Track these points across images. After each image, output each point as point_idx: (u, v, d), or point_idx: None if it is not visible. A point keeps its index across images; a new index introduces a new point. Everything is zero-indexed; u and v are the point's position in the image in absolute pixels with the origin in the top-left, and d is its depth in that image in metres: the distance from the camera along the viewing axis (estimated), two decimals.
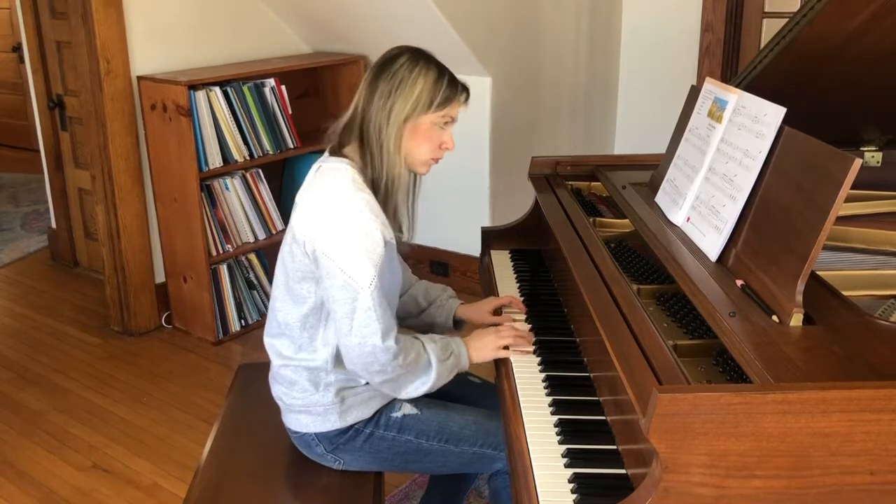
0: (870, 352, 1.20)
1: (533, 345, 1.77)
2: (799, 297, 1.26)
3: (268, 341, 1.77)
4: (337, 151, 1.70)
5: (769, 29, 3.85)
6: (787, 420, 1.04)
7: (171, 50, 3.42)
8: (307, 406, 1.70)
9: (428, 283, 1.99)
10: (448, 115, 1.67)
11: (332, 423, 1.70)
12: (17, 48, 4.97)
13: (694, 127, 1.79)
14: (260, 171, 3.50)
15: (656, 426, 1.04)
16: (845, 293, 1.37)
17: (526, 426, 1.47)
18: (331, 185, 1.63)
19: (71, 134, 3.99)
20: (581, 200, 2.18)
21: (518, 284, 2.10)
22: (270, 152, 3.49)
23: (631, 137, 4.34)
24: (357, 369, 1.62)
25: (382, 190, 1.66)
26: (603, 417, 1.47)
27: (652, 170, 1.99)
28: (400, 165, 1.65)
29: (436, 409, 1.76)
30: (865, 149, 2.01)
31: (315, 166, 1.71)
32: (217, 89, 3.26)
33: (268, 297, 3.58)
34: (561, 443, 1.42)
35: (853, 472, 1.06)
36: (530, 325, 1.85)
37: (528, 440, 1.43)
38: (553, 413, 1.51)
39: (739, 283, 1.41)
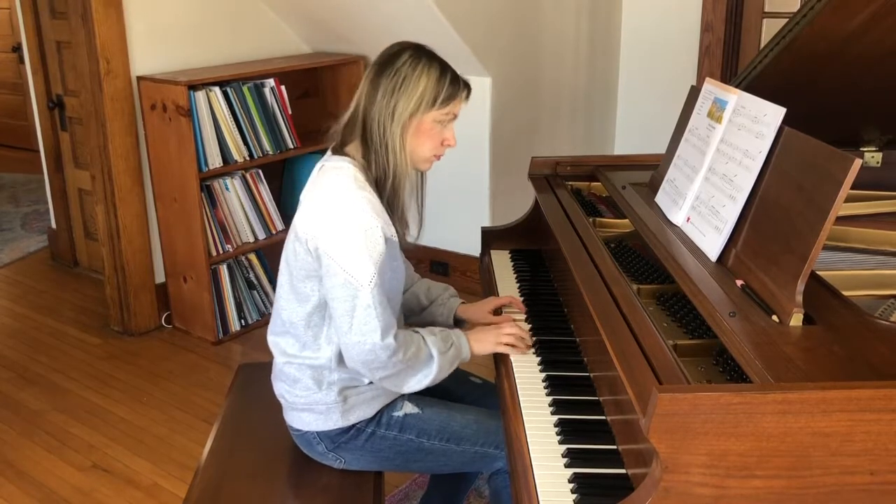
0: (870, 352, 1.20)
1: (533, 345, 1.77)
2: (799, 297, 1.27)
3: (272, 339, 1.78)
4: (339, 150, 1.70)
5: (769, 29, 3.85)
6: (787, 420, 1.04)
7: (171, 50, 3.43)
8: (310, 404, 1.70)
9: (430, 282, 1.99)
10: (451, 112, 1.68)
11: (334, 421, 1.70)
12: (17, 48, 4.97)
13: (694, 127, 1.79)
14: (260, 171, 3.50)
15: (656, 426, 1.04)
16: (845, 293, 1.37)
17: (526, 426, 1.47)
18: (332, 184, 1.63)
19: (71, 134, 3.99)
20: (581, 200, 2.18)
21: (518, 284, 2.11)
22: (270, 152, 3.49)
23: (631, 137, 4.34)
24: (358, 367, 1.62)
25: (388, 188, 1.66)
26: (603, 417, 1.47)
27: (652, 170, 1.99)
28: (405, 163, 1.66)
29: (437, 408, 1.76)
30: (865, 149, 2.01)
31: (318, 165, 1.71)
32: (217, 89, 3.26)
33: (268, 296, 3.59)
34: (561, 443, 1.42)
35: (853, 472, 1.06)
36: (530, 325, 1.85)
37: (528, 440, 1.43)
38: (553, 413, 1.51)
39: (739, 283, 1.41)
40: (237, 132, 3.35)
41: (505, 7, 3.57)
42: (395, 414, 1.73)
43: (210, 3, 3.53)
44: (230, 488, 1.71)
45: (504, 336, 1.74)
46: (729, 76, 3.88)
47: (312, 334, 1.69)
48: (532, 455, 1.39)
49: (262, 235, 3.52)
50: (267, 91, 3.46)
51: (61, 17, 3.71)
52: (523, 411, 1.53)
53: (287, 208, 3.61)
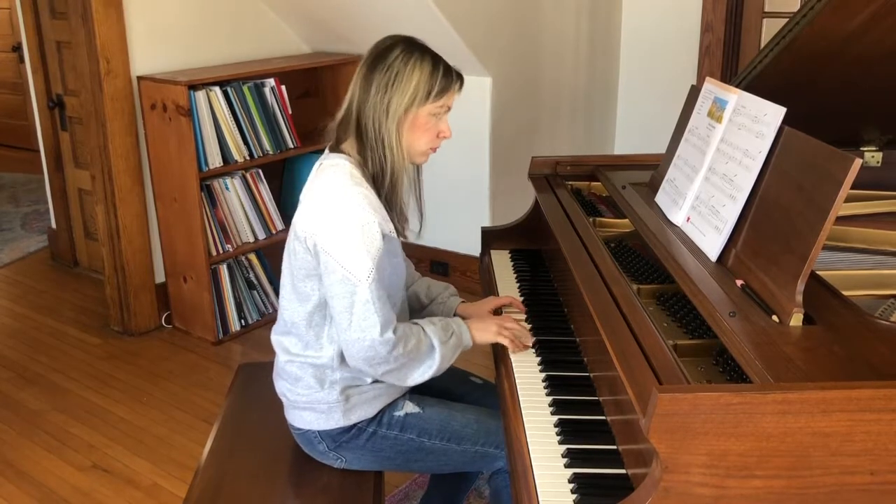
0: (870, 352, 1.20)
1: (533, 345, 1.77)
2: (799, 297, 1.27)
3: (275, 338, 1.78)
4: (336, 148, 1.70)
5: (769, 29, 3.85)
6: (787, 420, 1.04)
7: (171, 50, 3.43)
8: (311, 403, 1.71)
9: (430, 281, 1.99)
10: (445, 105, 1.67)
11: (335, 421, 1.70)
12: (17, 48, 4.98)
13: (694, 127, 1.79)
14: (260, 171, 3.50)
15: (656, 426, 1.04)
16: (845, 293, 1.37)
17: (526, 426, 1.47)
18: (329, 181, 1.63)
19: (71, 134, 3.99)
20: (581, 200, 2.18)
21: (518, 284, 2.11)
22: (270, 152, 3.49)
23: (631, 137, 4.34)
24: (359, 365, 1.62)
25: (386, 184, 1.66)
26: (603, 417, 1.47)
27: (652, 170, 1.99)
28: (401, 158, 1.66)
29: (438, 408, 1.76)
30: (865, 149, 2.01)
31: (317, 164, 1.71)
32: (217, 89, 3.26)
33: (268, 296, 3.59)
34: (561, 443, 1.42)
35: (853, 472, 1.06)
36: (530, 325, 1.85)
37: (528, 440, 1.43)
38: (553, 413, 1.51)
39: (739, 282, 1.41)
40: (237, 132, 3.35)
41: (505, 7, 3.57)
42: (396, 413, 1.73)
43: (210, 3, 3.53)
44: (230, 488, 1.71)
45: (505, 328, 1.75)
46: (729, 76, 3.88)
47: (314, 334, 1.69)
48: (532, 455, 1.39)
49: (262, 235, 3.52)
50: (267, 91, 3.46)
51: (61, 17, 3.71)
52: (523, 411, 1.53)
53: (287, 208, 3.61)
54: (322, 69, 3.94)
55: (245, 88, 3.38)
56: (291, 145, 3.57)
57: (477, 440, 1.73)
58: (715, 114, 1.69)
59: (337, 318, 1.60)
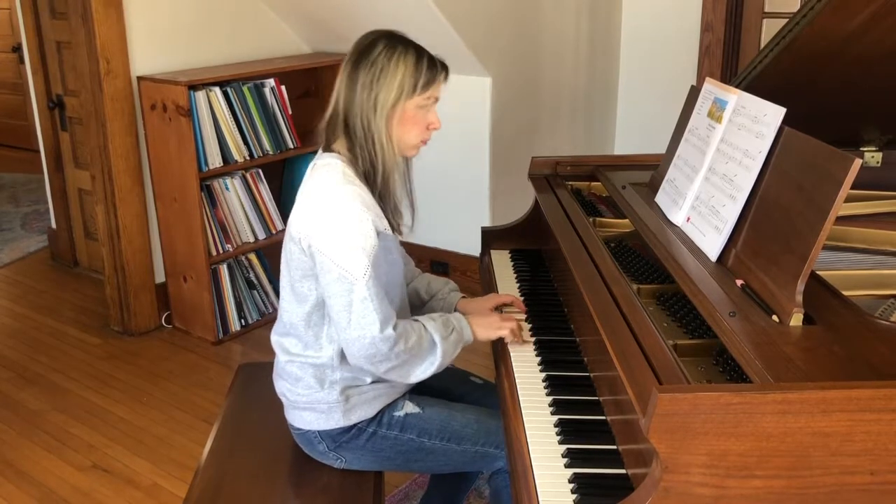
0: (870, 352, 1.20)
1: (533, 345, 1.77)
2: (799, 297, 1.27)
3: (275, 338, 1.78)
4: (328, 148, 1.70)
5: (769, 29, 3.85)
6: (787, 420, 1.04)
7: (171, 50, 3.43)
8: (311, 403, 1.70)
9: (431, 277, 1.99)
10: (432, 96, 1.67)
11: (335, 421, 1.70)
12: (17, 48, 4.97)
13: (694, 127, 1.79)
14: (260, 171, 3.50)
15: (656, 426, 1.04)
16: (845, 293, 1.37)
17: (526, 426, 1.47)
18: (321, 181, 1.64)
19: (71, 134, 3.99)
20: (581, 200, 2.18)
21: (518, 284, 2.11)
22: (270, 152, 3.49)
23: (631, 137, 4.34)
24: (361, 363, 1.62)
25: (379, 181, 1.65)
26: (603, 417, 1.47)
27: (652, 170, 1.99)
28: (392, 153, 1.66)
29: (438, 408, 1.76)
30: (865, 149, 2.01)
31: (311, 164, 1.71)
32: (217, 89, 3.26)
33: (268, 296, 3.59)
34: (561, 443, 1.42)
35: (853, 472, 1.06)
36: (530, 325, 1.85)
37: (529, 440, 1.43)
38: (553, 413, 1.51)
39: (739, 282, 1.41)
40: (237, 132, 3.35)
41: (505, 7, 3.57)
42: (396, 414, 1.73)
43: (210, 4, 3.53)
44: (230, 488, 1.71)
45: (507, 322, 1.75)
46: (729, 76, 3.88)
47: (313, 334, 1.69)
48: (532, 455, 1.39)
49: (262, 235, 3.52)
50: (267, 91, 3.46)
51: (61, 17, 3.71)
52: (523, 411, 1.53)
53: (287, 208, 3.59)
54: (322, 69, 3.93)
55: (245, 88, 3.38)
56: (291, 145, 3.57)
57: (477, 440, 1.73)
58: (715, 114, 1.69)
59: (336, 317, 1.60)
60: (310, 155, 3.63)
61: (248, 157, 3.40)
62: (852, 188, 1.26)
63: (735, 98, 1.63)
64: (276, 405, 1.81)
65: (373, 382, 1.71)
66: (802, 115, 1.48)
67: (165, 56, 3.40)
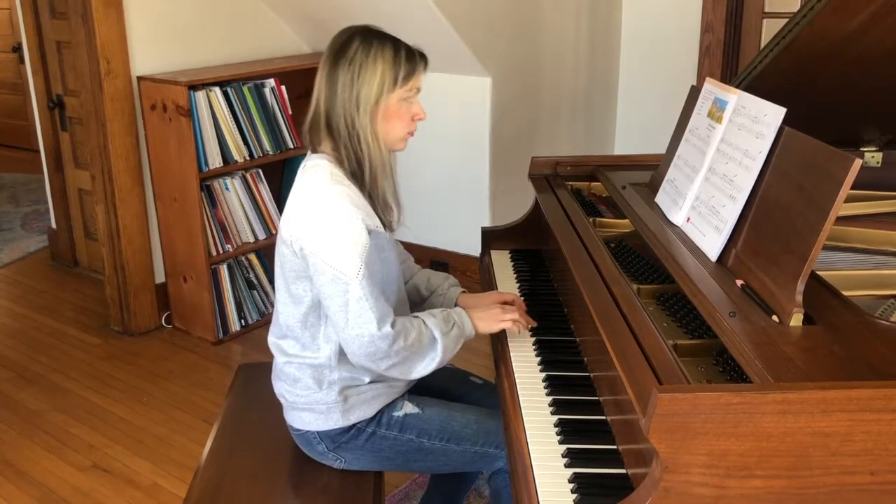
0: (870, 352, 1.20)
1: (533, 345, 1.77)
2: (799, 297, 1.27)
3: (272, 340, 1.78)
4: (315, 149, 1.69)
5: (769, 29, 3.85)
6: (787, 420, 1.04)
7: (171, 50, 3.43)
8: (310, 404, 1.70)
9: (430, 272, 1.98)
10: (413, 87, 1.66)
11: (334, 421, 1.70)
12: (17, 48, 4.97)
13: (694, 127, 1.79)
14: (260, 171, 3.50)
15: (656, 426, 1.04)
16: (845, 293, 1.37)
17: (526, 426, 1.47)
18: (309, 182, 1.63)
19: (71, 134, 3.99)
20: (581, 200, 2.18)
21: (518, 284, 2.11)
22: (270, 152, 3.49)
23: (631, 137, 4.34)
24: (362, 362, 1.62)
25: (367, 179, 1.65)
26: (603, 417, 1.47)
27: (652, 170, 1.99)
28: (379, 150, 1.65)
29: (437, 408, 1.76)
30: (865, 149, 2.01)
31: (301, 167, 1.71)
32: (217, 89, 3.26)
33: (268, 296, 3.59)
34: (561, 443, 1.42)
35: (853, 472, 1.06)
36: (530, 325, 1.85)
37: (529, 440, 1.43)
38: (553, 413, 1.51)
39: (739, 283, 1.41)
40: (237, 132, 3.35)
41: (505, 7, 3.57)
42: (396, 414, 1.73)
43: (210, 3, 3.53)
44: (230, 488, 1.71)
45: (508, 313, 1.74)
46: (729, 76, 3.88)
47: (310, 335, 1.69)
48: (532, 455, 1.39)
49: (262, 235, 3.52)
50: (267, 91, 3.46)
51: (61, 17, 3.71)
52: (523, 411, 1.53)
53: None
54: None
55: (245, 89, 3.38)
56: (291, 145, 3.57)
57: (476, 440, 1.73)
58: (715, 114, 1.69)
59: (333, 317, 1.60)
60: None
61: (248, 157, 3.40)
62: (852, 188, 1.26)
63: (735, 98, 1.63)
64: (276, 405, 1.81)
65: (371, 382, 1.71)
66: (802, 115, 1.48)
67: (165, 56, 3.40)
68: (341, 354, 1.66)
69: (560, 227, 1.92)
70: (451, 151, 3.78)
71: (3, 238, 4.81)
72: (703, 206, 1.61)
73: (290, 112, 3.56)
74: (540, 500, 1.27)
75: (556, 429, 1.46)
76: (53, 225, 4.30)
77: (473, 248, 2.95)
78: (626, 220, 1.91)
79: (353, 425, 1.71)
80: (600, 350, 1.43)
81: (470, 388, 1.94)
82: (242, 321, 3.51)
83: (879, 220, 1.85)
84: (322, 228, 1.57)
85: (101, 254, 3.56)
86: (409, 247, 1.78)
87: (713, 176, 1.62)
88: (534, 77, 3.86)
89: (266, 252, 3.58)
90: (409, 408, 1.74)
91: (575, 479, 1.31)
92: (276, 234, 3.47)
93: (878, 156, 2.01)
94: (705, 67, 3.97)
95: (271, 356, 1.81)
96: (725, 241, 1.50)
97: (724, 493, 1.06)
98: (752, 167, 1.49)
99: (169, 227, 3.43)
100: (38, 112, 4.09)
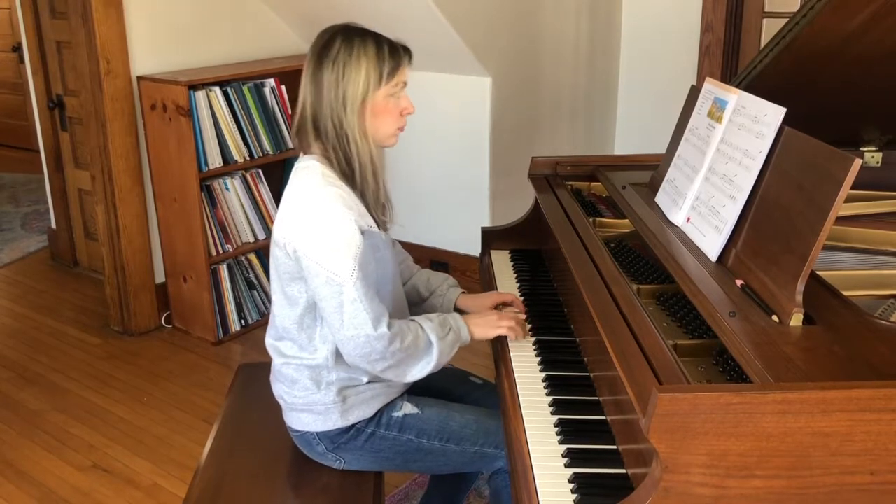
0: (870, 352, 1.20)
1: (533, 345, 1.77)
2: (799, 297, 1.27)
3: (269, 343, 1.77)
4: (306, 151, 1.69)
5: (769, 29, 3.85)
6: (787, 420, 1.04)
7: (171, 50, 3.43)
8: (308, 405, 1.70)
9: (430, 273, 1.98)
10: (399, 82, 1.66)
11: (333, 422, 1.70)
12: (17, 48, 4.97)
13: (694, 127, 1.79)
14: (260, 171, 3.50)
15: (656, 426, 1.04)
16: (845, 293, 1.37)
17: (526, 426, 1.47)
18: (301, 185, 1.63)
19: (71, 134, 3.99)
20: (581, 200, 2.18)
21: (518, 284, 2.11)
22: (270, 152, 3.49)
23: (631, 137, 4.34)
24: (357, 363, 1.62)
25: (358, 178, 1.64)
26: (603, 417, 1.47)
27: (652, 170, 1.99)
28: (368, 149, 1.64)
29: (437, 408, 1.76)
30: (865, 149, 2.01)
31: (293, 168, 1.70)
32: (217, 89, 3.26)
33: (268, 296, 3.59)
34: (561, 443, 1.42)
35: (853, 472, 1.06)
36: (530, 325, 1.85)
37: (529, 440, 1.43)
38: (553, 413, 1.51)
39: (739, 283, 1.41)
40: (237, 132, 3.35)
41: (505, 7, 3.57)
42: (395, 414, 1.73)
43: (210, 3, 3.53)
44: (230, 488, 1.71)
45: (505, 319, 1.74)
46: (729, 76, 3.88)
47: (307, 336, 1.69)
48: (532, 455, 1.39)
49: (262, 235, 3.52)
50: (267, 91, 3.47)
51: (61, 17, 3.71)
52: (523, 411, 1.53)
53: None
54: None
55: (245, 88, 3.38)
56: (291, 145, 3.57)
57: (476, 440, 1.73)
58: (715, 114, 1.69)
59: (328, 319, 1.60)
60: None
61: (248, 157, 3.40)
62: (852, 188, 1.26)
63: (735, 98, 1.63)
64: (276, 406, 1.81)
65: (369, 382, 1.71)
66: (802, 115, 1.48)
67: (165, 56, 3.40)
68: (338, 355, 1.66)
69: (560, 227, 1.92)
70: (451, 151, 3.78)
71: (3, 238, 4.81)
72: (703, 206, 1.61)
73: (290, 112, 3.56)
74: (540, 500, 1.27)
75: (556, 429, 1.46)
76: (53, 225, 4.30)
77: (473, 248, 2.95)
78: (626, 220, 1.91)
79: (353, 426, 1.71)
80: (600, 350, 1.43)
81: (469, 388, 1.94)
82: (242, 321, 3.51)
83: (879, 220, 1.85)
84: (315, 231, 1.57)
85: (101, 254, 3.56)
86: (409, 247, 1.78)
87: (713, 176, 1.62)
88: (534, 77, 3.86)
89: (266, 252, 3.56)
90: (408, 408, 1.74)
91: (575, 479, 1.31)
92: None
93: (878, 156, 2.01)
94: (705, 67, 3.97)
95: (271, 357, 1.81)
96: (725, 241, 1.50)
97: (724, 493, 1.06)
98: (752, 167, 1.49)
99: (169, 227, 3.43)
100: (38, 112, 4.09)
